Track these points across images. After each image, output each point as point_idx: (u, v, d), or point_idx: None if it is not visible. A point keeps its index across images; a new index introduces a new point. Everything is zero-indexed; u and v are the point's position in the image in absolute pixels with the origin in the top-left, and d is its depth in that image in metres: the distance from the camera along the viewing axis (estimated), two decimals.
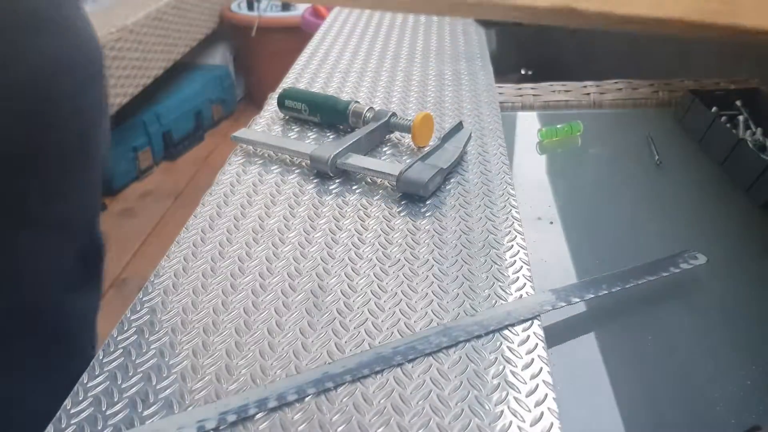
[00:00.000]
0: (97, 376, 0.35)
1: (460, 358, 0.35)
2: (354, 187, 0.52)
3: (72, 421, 0.32)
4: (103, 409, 0.33)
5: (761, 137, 0.59)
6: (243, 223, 0.47)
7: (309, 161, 0.53)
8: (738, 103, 0.63)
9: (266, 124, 0.63)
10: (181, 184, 2.10)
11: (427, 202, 0.49)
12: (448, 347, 0.35)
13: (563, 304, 0.39)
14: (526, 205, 0.53)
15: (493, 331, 0.36)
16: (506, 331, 0.37)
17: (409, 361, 0.34)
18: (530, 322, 0.37)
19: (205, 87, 2.39)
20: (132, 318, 0.39)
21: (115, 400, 0.33)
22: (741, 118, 0.61)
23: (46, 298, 0.51)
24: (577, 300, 0.40)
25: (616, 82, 0.74)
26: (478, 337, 0.36)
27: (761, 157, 0.53)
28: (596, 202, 0.55)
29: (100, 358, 0.36)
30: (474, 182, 0.52)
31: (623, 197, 0.55)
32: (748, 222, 0.51)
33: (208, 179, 0.53)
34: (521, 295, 0.40)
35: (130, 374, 0.35)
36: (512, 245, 0.44)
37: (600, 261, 0.48)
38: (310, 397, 0.33)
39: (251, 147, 0.58)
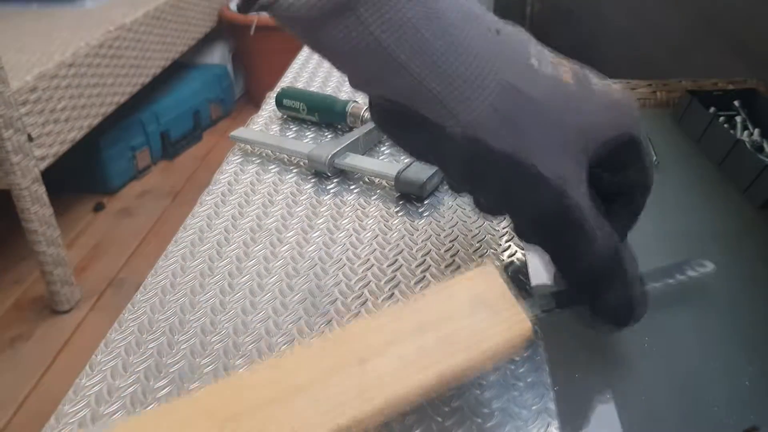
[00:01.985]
0: (94, 376, 0.35)
1: None
2: (352, 187, 0.52)
3: (69, 420, 0.32)
4: (99, 409, 0.33)
5: (759, 138, 0.59)
6: (241, 222, 0.47)
7: (307, 161, 0.53)
8: (736, 103, 0.63)
9: (264, 123, 0.63)
10: (179, 184, 2.09)
11: (425, 203, 0.49)
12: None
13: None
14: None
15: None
16: None
17: None
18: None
19: (204, 86, 2.39)
20: (129, 317, 0.38)
21: (111, 399, 0.33)
22: (739, 118, 0.61)
23: None
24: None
25: (614, 82, 0.74)
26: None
27: (759, 158, 0.53)
28: None
29: (96, 357, 0.36)
30: None
31: None
32: (746, 223, 0.50)
33: (206, 179, 0.53)
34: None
35: (127, 374, 0.35)
36: (510, 245, 0.44)
37: None
38: None
39: (249, 146, 0.58)
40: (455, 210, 0.48)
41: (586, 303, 0.33)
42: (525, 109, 0.28)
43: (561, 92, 0.29)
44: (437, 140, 0.28)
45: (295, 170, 0.54)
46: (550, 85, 0.29)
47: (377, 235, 0.45)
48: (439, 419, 0.32)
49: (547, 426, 0.31)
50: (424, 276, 0.41)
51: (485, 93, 0.27)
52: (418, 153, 0.32)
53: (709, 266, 0.42)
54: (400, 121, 0.30)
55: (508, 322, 0.28)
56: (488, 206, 0.35)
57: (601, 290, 0.31)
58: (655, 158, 0.59)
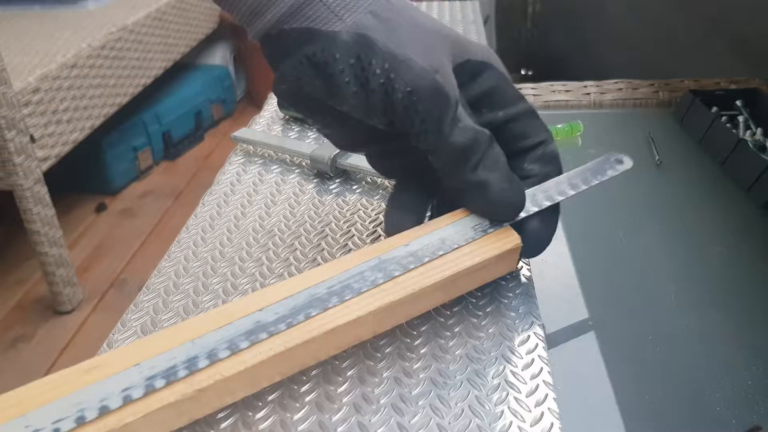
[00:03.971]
0: None
1: (461, 357, 0.35)
2: (354, 187, 0.52)
3: None
4: None
5: (761, 137, 0.59)
6: (243, 222, 0.47)
7: (309, 161, 0.53)
8: (738, 103, 0.63)
9: (266, 123, 0.63)
10: (181, 184, 2.10)
11: None
12: (383, 283, 0.33)
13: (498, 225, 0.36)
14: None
15: (429, 261, 0.34)
16: (506, 331, 0.37)
17: (344, 300, 0.32)
18: (530, 323, 0.37)
19: (205, 87, 2.39)
20: (132, 318, 0.39)
21: None
22: (741, 118, 0.61)
23: None
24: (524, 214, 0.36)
25: (616, 82, 0.74)
26: (414, 269, 0.34)
27: (761, 158, 0.53)
28: (596, 202, 0.55)
29: None
30: None
31: (623, 197, 0.55)
32: (749, 222, 0.50)
33: (208, 179, 0.53)
34: (521, 295, 0.40)
35: None
36: None
37: (601, 260, 0.48)
38: (310, 396, 0.33)
39: (251, 147, 0.58)
40: None
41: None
42: (398, 14, 0.33)
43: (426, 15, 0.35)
44: (328, 50, 0.32)
45: (297, 170, 0.54)
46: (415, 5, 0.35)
47: (380, 236, 0.45)
48: (440, 418, 0.32)
49: (550, 426, 0.31)
50: None
51: (362, 2, 0.33)
52: (317, 99, 0.35)
53: (628, 163, 0.39)
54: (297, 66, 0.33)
55: (499, 237, 0.35)
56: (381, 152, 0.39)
57: (461, 171, 0.34)
58: (657, 158, 0.59)
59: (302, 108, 0.37)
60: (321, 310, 0.31)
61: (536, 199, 0.36)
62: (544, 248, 0.37)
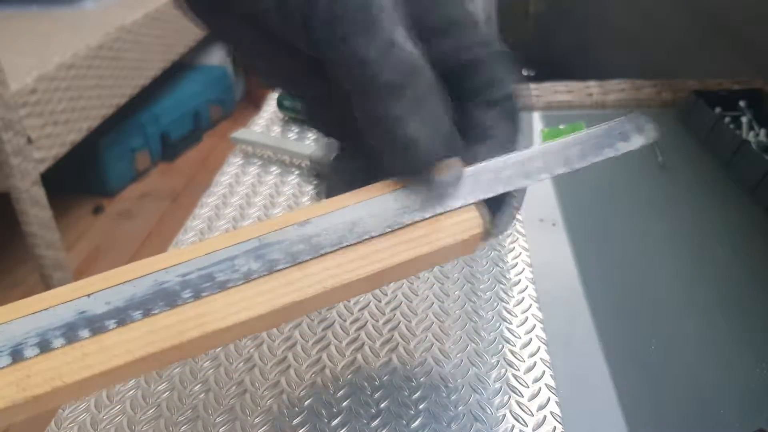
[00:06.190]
0: None
1: (462, 361, 0.35)
2: None
3: (68, 425, 0.32)
4: (99, 414, 0.32)
5: (765, 138, 0.58)
6: (242, 225, 0.47)
7: (309, 162, 0.52)
8: (742, 103, 0.62)
9: (265, 124, 0.63)
10: (179, 186, 2.09)
11: None
12: (259, 277, 0.22)
13: (434, 210, 0.24)
14: (528, 206, 0.53)
15: (328, 254, 0.23)
16: (508, 334, 0.36)
17: (202, 297, 0.22)
18: (532, 326, 0.37)
19: (204, 87, 2.38)
20: None
21: (112, 403, 0.33)
22: (744, 118, 0.61)
23: None
24: (462, 202, 0.24)
25: (619, 83, 0.74)
26: (305, 262, 0.23)
27: (765, 159, 0.52)
28: (599, 204, 0.54)
29: None
30: None
31: (626, 198, 0.55)
32: (753, 223, 0.50)
33: (207, 180, 0.53)
34: (523, 298, 0.39)
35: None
36: (514, 247, 0.44)
37: (603, 262, 0.47)
38: (307, 404, 0.32)
39: (250, 148, 0.57)
40: None
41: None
42: None
43: None
44: None
45: (296, 172, 0.54)
46: None
47: None
48: (442, 423, 0.31)
49: (552, 430, 0.31)
50: (428, 278, 0.41)
51: None
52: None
53: (635, 141, 0.26)
54: None
55: (460, 217, 0.25)
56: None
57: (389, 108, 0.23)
58: (660, 158, 0.58)
59: (208, 17, 0.27)
60: (167, 306, 0.22)
61: (479, 181, 0.25)
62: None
